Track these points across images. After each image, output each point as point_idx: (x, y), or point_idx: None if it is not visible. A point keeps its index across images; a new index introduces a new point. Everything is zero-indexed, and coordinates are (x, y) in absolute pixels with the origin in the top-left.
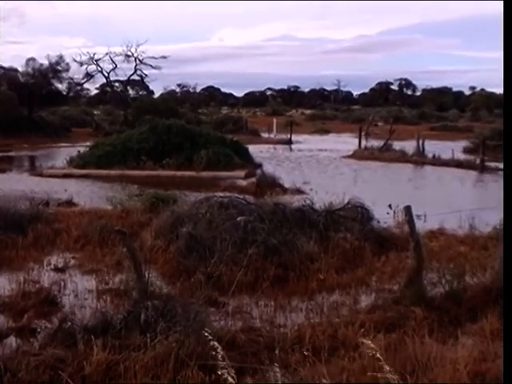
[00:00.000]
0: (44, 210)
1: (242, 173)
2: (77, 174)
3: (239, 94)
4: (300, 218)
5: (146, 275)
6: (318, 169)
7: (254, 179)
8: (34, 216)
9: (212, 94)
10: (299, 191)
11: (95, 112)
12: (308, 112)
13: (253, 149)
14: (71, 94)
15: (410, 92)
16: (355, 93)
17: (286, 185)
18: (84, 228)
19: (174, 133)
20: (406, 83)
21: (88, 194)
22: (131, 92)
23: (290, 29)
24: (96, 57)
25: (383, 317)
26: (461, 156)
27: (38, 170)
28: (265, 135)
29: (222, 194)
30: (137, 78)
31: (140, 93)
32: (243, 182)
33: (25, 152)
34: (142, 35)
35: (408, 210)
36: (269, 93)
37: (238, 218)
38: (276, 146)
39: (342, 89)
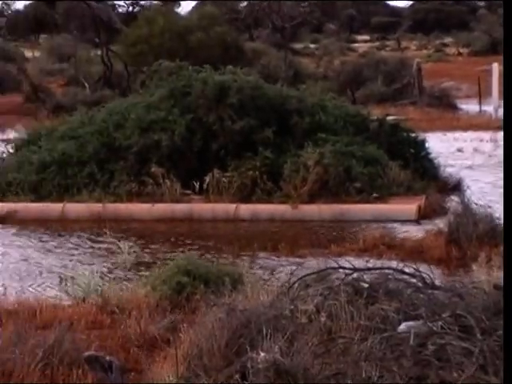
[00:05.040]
0: None
1: (411, 206)
2: None
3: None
4: None
5: None
6: None
7: (441, 223)
8: None
9: None
10: None
11: (28, 54)
12: None
13: (438, 143)
14: None
15: None
16: None
17: None
18: (4, 350)
19: (236, 106)
20: None
21: (12, 268)
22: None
23: None
24: None
25: None
26: None
27: None
28: (468, 107)
29: (354, 262)
30: None
31: (142, 1)
32: (414, 231)
33: None
34: None
35: None
36: None
37: (402, 326)
38: (498, 137)
39: None
